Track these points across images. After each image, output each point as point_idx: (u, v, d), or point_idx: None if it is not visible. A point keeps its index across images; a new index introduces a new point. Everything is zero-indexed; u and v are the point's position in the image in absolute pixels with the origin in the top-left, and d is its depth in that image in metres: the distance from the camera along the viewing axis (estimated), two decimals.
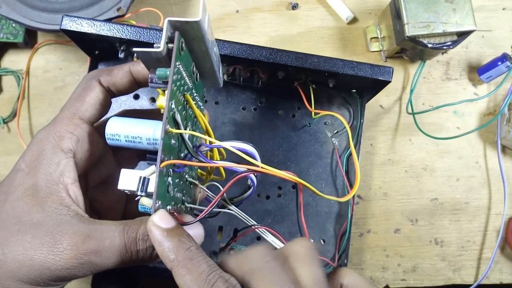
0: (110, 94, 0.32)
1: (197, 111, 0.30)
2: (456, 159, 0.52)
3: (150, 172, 0.26)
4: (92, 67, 0.47)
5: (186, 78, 0.28)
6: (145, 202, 0.26)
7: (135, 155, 0.36)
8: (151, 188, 0.25)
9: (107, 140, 0.29)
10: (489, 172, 0.52)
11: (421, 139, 0.52)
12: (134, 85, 0.32)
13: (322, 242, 0.47)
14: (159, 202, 0.24)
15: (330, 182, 0.48)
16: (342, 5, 0.53)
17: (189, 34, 0.26)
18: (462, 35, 0.46)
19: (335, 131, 0.49)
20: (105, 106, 0.31)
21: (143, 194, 0.25)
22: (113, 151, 0.34)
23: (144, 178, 0.25)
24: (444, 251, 0.50)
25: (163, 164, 0.24)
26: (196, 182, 0.32)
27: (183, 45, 0.26)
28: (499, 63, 0.49)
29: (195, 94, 0.31)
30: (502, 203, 0.51)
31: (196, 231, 0.28)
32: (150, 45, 0.39)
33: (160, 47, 0.24)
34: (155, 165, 0.24)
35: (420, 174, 0.51)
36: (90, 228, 0.26)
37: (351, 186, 0.47)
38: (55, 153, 0.28)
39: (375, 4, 0.54)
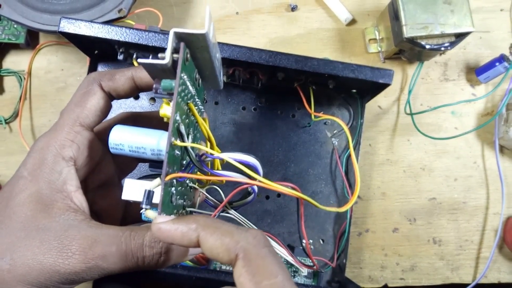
0: (110, 98, 0.32)
1: (200, 120, 0.31)
2: (454, 159, 0.52)
3: (155, 185, 0.26)
4: (92, 67, 0.47)
5: (190, 86, 0.28)
6: (150, 215, 0.26)
7: (134, 161, 0.36)
8: (156, 200, 0.25)
9: (110, 149, 0.29)
10: (487, 172, 0.52)
11: (419, 139, 0.52)
12: (136, 91, 0.32)
13: (321, 242, 0.47)
14: (164, 215, 0.25)
15: (330, 182, 0.48)
16: (340, 7, 0.53)
17: (194, 44, 0.26)
18: (460, 36, 0.47)
19: (335, 131, 0.49)
20: (106, 111, 0.31)
21: (148, 207, 0.26)
22: (114, 156, 0.34)
23: (149, 191, 0.26)
24: (442, 251, 0.50)
25: (168, 177, 0.24)
26: (196, 186, 0.32)
27: (188, 56, 0.26)
28: (497, 63, 0.50)
29: (196, 99, 0.31)
30: (500, 202, 0.51)
31: None
32: (149, 48, 0.39)
33: (166, 58, 0.24)
34: (160, 177, 0.24)
35: (418, 174, 0.52)
36: (97, 233, 0.26)
37: (351, 186, 0.47)
38: (57, 162, 0.28)
39: (373, 6, 0.55)
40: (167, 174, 0.24)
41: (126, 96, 0.32)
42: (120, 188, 0.34)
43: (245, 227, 0.24)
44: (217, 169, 0.33)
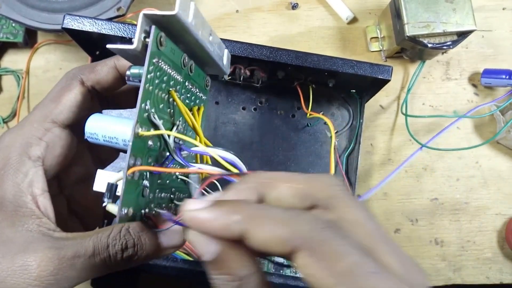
0: (94, 93, 0.30)
1: (183, 108, 0.28)
2: (456, 159, 0.52)
3: (117, 178, 0.24)
4: None
5: (173, 72, 0.26)
6: (110, 209, 0.24)
7: (114, 150, 0.33)
8: (120, 194, 0.23)
9: (86, 138, 0.28)
10: (489, 172, 0.52)
11: (421, 139, 0.51)
12: (121, 81, 0.30)
13: None
14: (126, 210, 0.23)
15: None
16: (342, 5, 0.53)
17: (173, 27, 0.24)
18: (462, 35, 0.46)
19: (335, 131, 0.49)
20: (83, 107, 0.29)
21: (110, 201, 0.24)
22: (91, 147, 0.32)
23: (112, 184, 0.24)
24: (444, 251, 0.50)
25: (130, 171, 0.23)
26: (185, 178, 0.30)
27: (162, 39, 0.24)
28: (505, 76, 0.49)
29: (190, 86, 0.29)
30: (502, 203, 0.51)
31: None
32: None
33: (134, 43, 0.23)
34: (123, 170, 0.23)
35: (420, 174, 0.51)
36: (62, 242, 0.24)
37: (351, 185, 0.46)
38: (22, 161, 0.26)
39: (375, 4, 0.54)
40: (130, 167, 0.23)
41: (112, 88, 0.30)
42: None
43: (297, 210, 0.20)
44: (206, 163, 0.31)
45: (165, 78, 0.26)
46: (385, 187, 0.51)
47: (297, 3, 0.54)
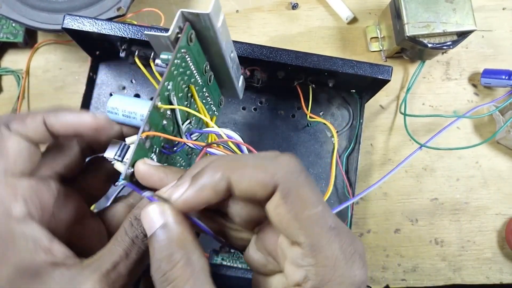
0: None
1: (199, 103, 0.31)
2: (456, 159, 0.52)
3: (131, 140, 0.26)
4: (93, 67, 0.47)
5: (195, 71, 0.28)
6: (118, 167, 0.25)
7: (106, 181, 0.32)
8: (128, 156, 0.25)
9: (107, 113, 0.29)
10: (489, 172, 0.52)
11: (420, 139, 0.51)
12: (48, 139, 0.26)
13: None
14: (132, 169, 0.24)
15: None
16: (342, 5, 0.53)
17: (202, 30, 0.26)
18: (462, 35, 0.46)
19: (335, 131, 0.49)
20: (33, 151, 0.26)
21: (120, 159, 0.26)
22: (80, 187, 0.30)
23: (125, 144, 0.26)
24: (444, 251, 0.50)
25: (145, 134, 0.25)
26: None
27: (192, 36, 0.27)
28: (504, 76, 0.49)
29: (206, 94, 0.32)
30: (502, 203, 0.51)
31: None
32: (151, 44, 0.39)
33: (169, 32, 0.25)
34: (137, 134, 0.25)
35: (420, 174, 0.51)
36: (96, 263, 0.24)
37: (351, 185, 0.47)
38: (12, 228, 0.24)
39: (375, 4, 0.54)
40: (144, 131, 0.25)
41: (39, 142, 0.27)
42: (95, 217, 0.31)
43: (272, 153, 0.22)
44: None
45: (188, 72, 0.28)
46: (385, 187, 0.51)
47: (297, 3, 0.54)
